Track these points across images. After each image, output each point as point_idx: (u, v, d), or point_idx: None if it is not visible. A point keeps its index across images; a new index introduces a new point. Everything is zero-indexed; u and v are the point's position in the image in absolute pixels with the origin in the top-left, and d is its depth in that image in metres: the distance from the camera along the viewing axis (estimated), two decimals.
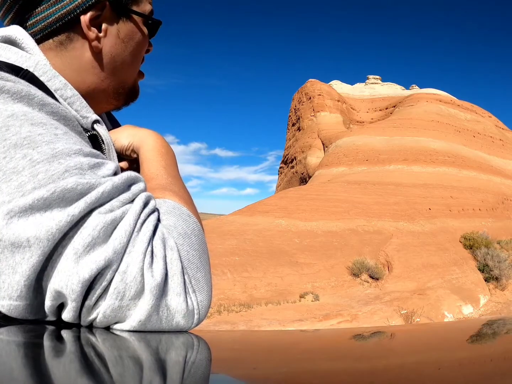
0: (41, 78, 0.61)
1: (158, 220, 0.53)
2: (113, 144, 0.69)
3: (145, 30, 0.73)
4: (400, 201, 24.07)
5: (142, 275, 0.47)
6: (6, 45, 0.65)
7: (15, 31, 0.66)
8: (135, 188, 0.53)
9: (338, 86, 61.43)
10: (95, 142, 0.65)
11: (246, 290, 12.96)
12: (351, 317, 10.96)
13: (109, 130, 0.76)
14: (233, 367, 0.46)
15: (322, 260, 15.87)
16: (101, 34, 0.69)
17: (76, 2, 0.65)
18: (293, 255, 15.83)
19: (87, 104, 0.66)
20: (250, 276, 13.82)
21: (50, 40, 0.67)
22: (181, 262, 0.51)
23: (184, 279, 0.50)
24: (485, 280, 17.66)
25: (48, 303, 0.46)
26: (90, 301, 0.46)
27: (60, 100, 0.62)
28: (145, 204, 0.52)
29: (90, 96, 0.70)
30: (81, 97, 0.66)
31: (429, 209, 23.99)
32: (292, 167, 50.95)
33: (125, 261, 0.47)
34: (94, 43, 0.69)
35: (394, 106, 50.75)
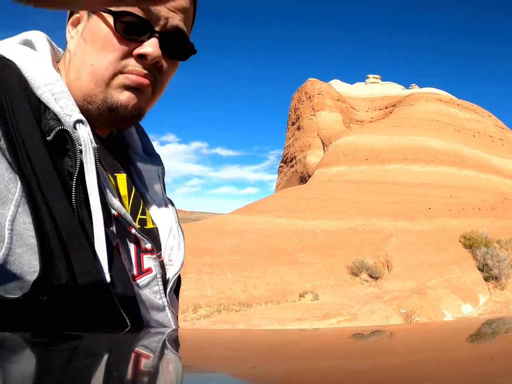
0: (32, 71, 0.62)
1: None
2: (97, 149, 0.63)
3: (110, 24, 0.63)
4: (400, 200, 24.05)
5: None
6: (19, 45, 0.68)
7: (33, 34, 0.71)
8: None
9: (338, 85, 61.39)
10: (63, 140, 0.61)
11: (246, 289, 12.96)
12: (350, 316, 10.96)
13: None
14: (232, 366, 0.46)
15: (321, 259, 15.86)
16: (71, 34, 0.69)
17: None
18: (293, 254, 15.82)
19: (74, 102, 0.63)
20: (250, 275, 13.82)
21: None
22: None
23: None
24: (485, 280, 17.64)
25: None
26: None
27: (47, 94, 0.61)
28: None
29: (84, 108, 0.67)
30: (70, 95, 0.64)
31: (429, 208, 23.97)
32: (292, 166, 50.89)
33: None
34: (68, 44, 0.70)
35: (394, 106, 50.68)
